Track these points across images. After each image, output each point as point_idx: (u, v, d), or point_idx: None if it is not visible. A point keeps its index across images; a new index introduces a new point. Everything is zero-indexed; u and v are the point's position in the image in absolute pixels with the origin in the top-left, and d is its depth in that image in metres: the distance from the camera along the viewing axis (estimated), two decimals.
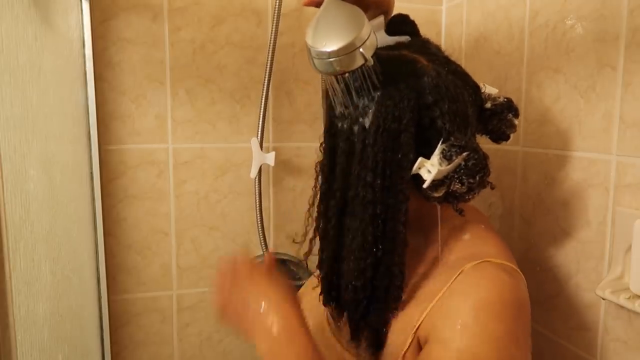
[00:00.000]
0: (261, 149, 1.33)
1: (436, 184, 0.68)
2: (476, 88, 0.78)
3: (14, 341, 0.72)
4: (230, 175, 1.40)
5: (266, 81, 1.29)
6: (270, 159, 1.35)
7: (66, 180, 1.10)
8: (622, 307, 0.87)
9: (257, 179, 1.34)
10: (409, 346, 0.71)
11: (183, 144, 1.37)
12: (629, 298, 0.85)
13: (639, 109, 0.87)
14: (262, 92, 1.30)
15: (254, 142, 1.33)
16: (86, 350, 1.22)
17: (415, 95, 0.68)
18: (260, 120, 1.32)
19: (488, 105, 0.79)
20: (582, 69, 0.98)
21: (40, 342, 0.85)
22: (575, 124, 1.00)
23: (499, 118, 0.80)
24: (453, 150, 0.66)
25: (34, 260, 0.84)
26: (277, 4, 1.26)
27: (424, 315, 0.70)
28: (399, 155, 0.68)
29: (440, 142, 0.68)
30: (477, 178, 0.68)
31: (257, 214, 1.37)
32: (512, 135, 0.85)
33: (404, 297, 0.74)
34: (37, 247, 0.86)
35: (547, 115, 1.07)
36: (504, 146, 1.18)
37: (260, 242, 1.37)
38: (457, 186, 0.68)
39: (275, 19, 1.25)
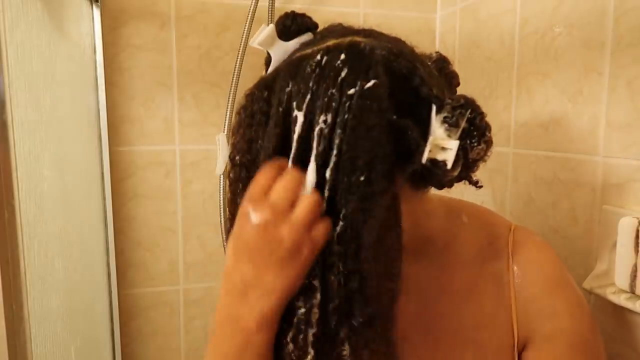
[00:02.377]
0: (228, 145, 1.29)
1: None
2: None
3: (29, 333, 0.73)
4: None
5: (236, 72, 1.30)
6: None
7: (78, 180, 1.11)
8: (608, 301, 0.87)
9: (222, 177, 1.34)
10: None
11: (190, 146, 1.39)
12: (614, 292, 0.86)
13: (624, 112, 0.88)
14: (231, 83, 1.31)
15: (221, 137, 1.29)
16: (97, 342, 1.24)
17: (376, 75, 0.51)
18: (228, 114, 1.31)
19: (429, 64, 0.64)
20: (569, 74, 0.99)
21: (53, 334, 0.87)
22: (563, 127, 1.01)
23: (444, 73, 0.66)
24: (457, 112, 0.53)
25: (48, 257, 0.85)
26: (270, 12, 1.31)
27: (515, 320, 0.66)
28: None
29: (433, 112, 0.54)
30: (487, 132, 0.57)
31: (220, 215, 1.35)
32: (458, 89, 0.69)
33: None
34: (51, 244, 0.87)
35: (537, 118, 1.08)
36: (495, 148, 1.19)
37: (223, 242, 1.37)
38: (477, 151, 0.56)
39: (248, 23, 1.29)
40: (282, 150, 0.54)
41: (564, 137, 1.01)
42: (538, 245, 0.69)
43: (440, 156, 0.54)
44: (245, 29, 1.29)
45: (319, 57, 0.53)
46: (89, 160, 1.24)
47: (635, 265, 0.82)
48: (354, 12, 1.45)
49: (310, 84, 0.52)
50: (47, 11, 0.92)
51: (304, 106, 0.52)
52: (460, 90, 0.67)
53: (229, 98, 1.32)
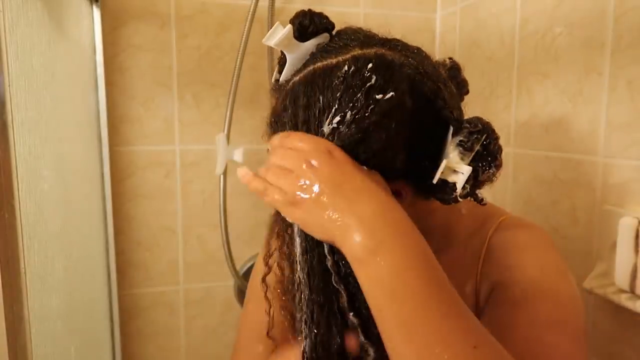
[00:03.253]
0: (228, 144, 1.29)
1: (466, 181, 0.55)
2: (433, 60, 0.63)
3: (29, 333, 0.72)
4: (233, 176, 1.38)
5: (236, 72, 1.31)
6: (238, 155, 1.30)
7: (78, 180, 1.11)
8: (608, 300, 0.88)
9: (222, 177, 1.34)
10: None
11: (189, 146, 1.39)
12: (614, 292, 0.87)
13: (624, 112, 0.89)
14: (231, 83, 1.31)
15: (221, 137, 1.29)
16: (97, 342, 1.24)
17: (404, 94, 0.53)
18: (228, 114, 1.31)
19: (443, 73, 0.63)
20: (570, 74, 1.00)
21: (53, 334, 0.86)
22: (563, 127, 1.02)
23: (457, 82, 0.67)
24: (473, 137, 0.54)
25: (48, 257, 0.85)
26: (270, 12, 1.31)
27: (477, 284, 0.66)
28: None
29: (450, 135, 0.55)
30: (499, 157, 0.56)
31: (221, 215, 1.35)
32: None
33: None
34: (51, 244, 0.86)
35: (537, 118, 1.08)
36: None
37: (224, 244, 1.37)
38: (487, 175, 0.55)
39: (248, 23, 1.29)
40: None
41: (564, 137, 1.02)
42: (521, 226, 0.69)
43: (451, 178, 0.55)
44: (245, 29, 1.29)
45: (346, 67, 0.54)
46: (89, 160, 1.23)
47: (635, 265, 0.83)
48: (354, 12, 1.45)
49: (339, 94, 0.53)
50: (47, 11, 0.92)
51: (334, 118, 0.53)
52: None
53: (229, 98, 1.32)
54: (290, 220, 0.54)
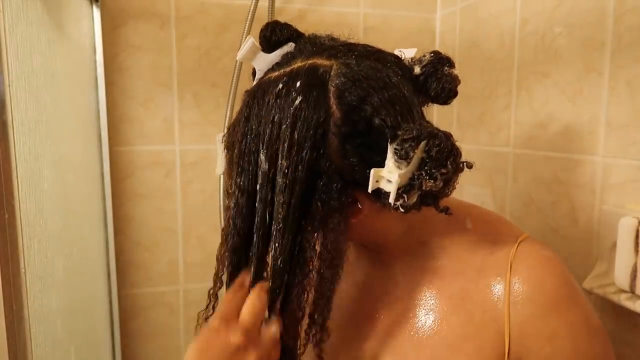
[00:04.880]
0: None
1: (404, 190, 0.54)
2: (397, 60, 0.63)
3: (29, 333, 0.72)
4: None
5: (236, 72, 1.31)
6: None
7: (78, 180, 1.11)
8: (608, 300, 0.88)
9: (222, 177, 1.33)
10: None
11: (190, 146, 1.39)
12: (614, 292, 0.87)
13: (623, 112, 0.89)
14: (231, 83, 1.31)
15: (221, 137, 1.26)
16: (97, 342, 1.24)
17: (328, 108, 0.54)
18: (228, 114, 1.32)
19: (417, 70, 0.63)
20: (569, 74, 1.00)
21: (53, 334, 0.86)
22: (563, 127, 1.02)
23: (436, 77, 0.63)
24: (406, 145, 0.53)
25: (48, 257, 0.85)
26: (270, 12, 1.31)
27: (507, 336, 0.62)
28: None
29: (388, 142, 0.54)
30: (449, 165, 0.54)
31: (221, 215, 1.35)
32: (458, 89, 0.66)
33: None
34: (51, 244, 0.87)
35: (537, 118, 1.09)
36: (495, 148, 1.20)
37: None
38: (430, 183, 0.54)
39: (248, 23, 1.29)
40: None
41: (564, 137, 1.02)
42: (543, 260, 0.64)
43: (386, 187, 0.54)
44: (245, 29, 1.29)
45: (281, 84, 0.57)
46: (89, 160, 1.24)
47: (635, 265, 0.83)
48: (354, 12, 1.45)
49: (272, 111, 0.57)
50: (47, 11, 0.92)
51: (265, 147, 0.57)
52: (460, 91, 0.66)
53: (229, 98, 1.32)
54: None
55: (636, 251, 0.83)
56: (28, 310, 0.72)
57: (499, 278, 0.63)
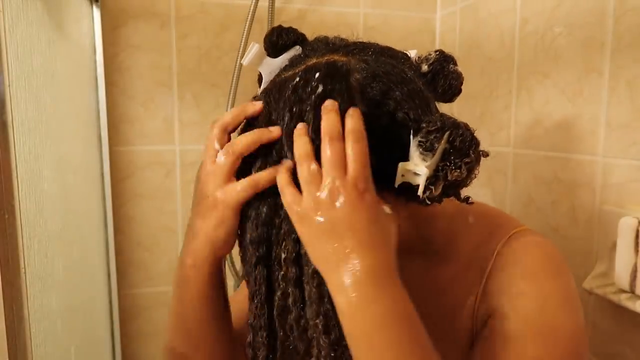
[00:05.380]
0: None
1: (430, 182, 0.54)
2: (406, 57, 0.64)
3: (29, 333, 0.72)
4: None
5: (236, 72, 1.31)
6: None
7: (78, 180, 1.11)
8: (608, 300, 0.88)
9: None
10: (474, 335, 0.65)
11: (190, 146, 1.39)
12: (614, 292, 0.87)
13: (624, 112, 0.89)
14: (231, 83, 1.32)
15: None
16: (97, 342, 1.24)
17: (352, 101, 0.54)
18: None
19: (425, 68, 0.63)
20: (569, 74, 1.00)
21: (53, 334, 0.86)
22: (563, 127, 1.02)
23: (443, 74, 0.64)
24: (431, 137, 0.53)
25: (48, 256, 0.85)
26: (270, 12, 1.31)
27: (476, 302, 0.65)
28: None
29: (411, 136, 0.55)
30: (472, 153, 0.55)
31: None
32: (462, 87, 0.67)
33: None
34: (51, 244, 0.87)
35: (537, 118, 1.09)
36: (495, 148, 1.20)
37: None
38: (456, 173, 0.54)
39: (248, 23, 1.29)
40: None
41: (564, 137, 1.02)
42: (530, 242, 0.66)
43: (413, 180, 0.55)
44: (245, 29, 1.29)
45: (297, 79, 0.55)
46: (89, 160, 1.24)
47: (635, 265, 0.83)
48: (354, 12, 1.45)
49: (289, 106, 0.54)
50: (47, 11, 0.92)
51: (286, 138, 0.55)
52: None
53: (229, 98, 1.32)
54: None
55: (636, 251, 0.83)
56: (28, 310, 0.72)
57: (486, 258, 0.66)
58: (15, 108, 0.71)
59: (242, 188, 0.56)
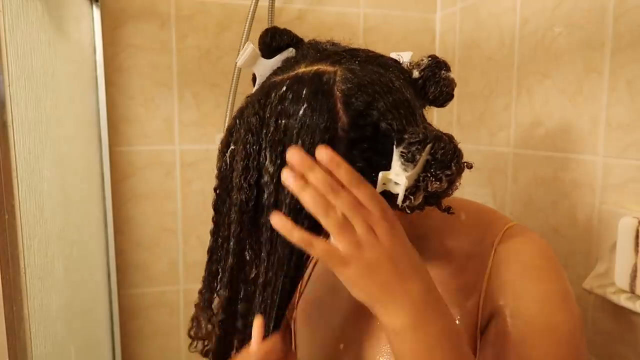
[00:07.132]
0: None
1: (411, 192, 0.56)
2: (397, 64, 0.63)
3: (29, 333, 0.73)
4: None
5: (236, 72, 1.31)
6: None
7: (78, 180, 1.11)
8: (608, 300, 0.89)
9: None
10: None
11: (189, 146, 1.40)
12: (614, 292, 0.87)
13: (623, 112, 0.89)
14: (231, 83, 1.32)
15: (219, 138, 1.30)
16: (97, 342, 1.24)
17: (335, 114, 0.55)
18: (228, 114, 1.32)
19: (416, 74, 0.63)
20: (569, 74, 1.00)
21: (53, 334, 0.86)
22: (563, 127, 1.02)
23: (434, 81, 0.63)
24: (413, 148, 0.54)
25: (48, 257, 0.85)
26: (270, 12, 1.31)
27: (481, 300, 0.66)
28: None
29: (394, 146, 0.56)
30: (453, 166, 0.56)
31: None
32: (458, 89, 0.67)
33: None
34: (51, 244, 0.87)
35: (537, 118, 1.09)
36: (495, 148, 1.20)
37: None
38: (436, 185, 0.56)
39: (248, 23, 1.29)
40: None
41: (564, 137, 1.02)
42: (525, 238, 0.68)
43: (394, 189, 0.56)
44: (245, 29, 1.29)
45: (284, 88, 0.57)
46: (89, 160, 1.24)
47: (635, 265, 0.83)
48: (354, 12, 1.45)
49: (274, 118, 0.56)
50: (47, 11, 0.92)
51: (270, 147, 0.57)
52: (460, 91, 0.67)
53: (228, 98, 1.32)
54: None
55: (636, 251, 0.83)
56: (28, 310, 0.72)
57: (483, 256, 0.67)
58: (15, 108, 0.71)
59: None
